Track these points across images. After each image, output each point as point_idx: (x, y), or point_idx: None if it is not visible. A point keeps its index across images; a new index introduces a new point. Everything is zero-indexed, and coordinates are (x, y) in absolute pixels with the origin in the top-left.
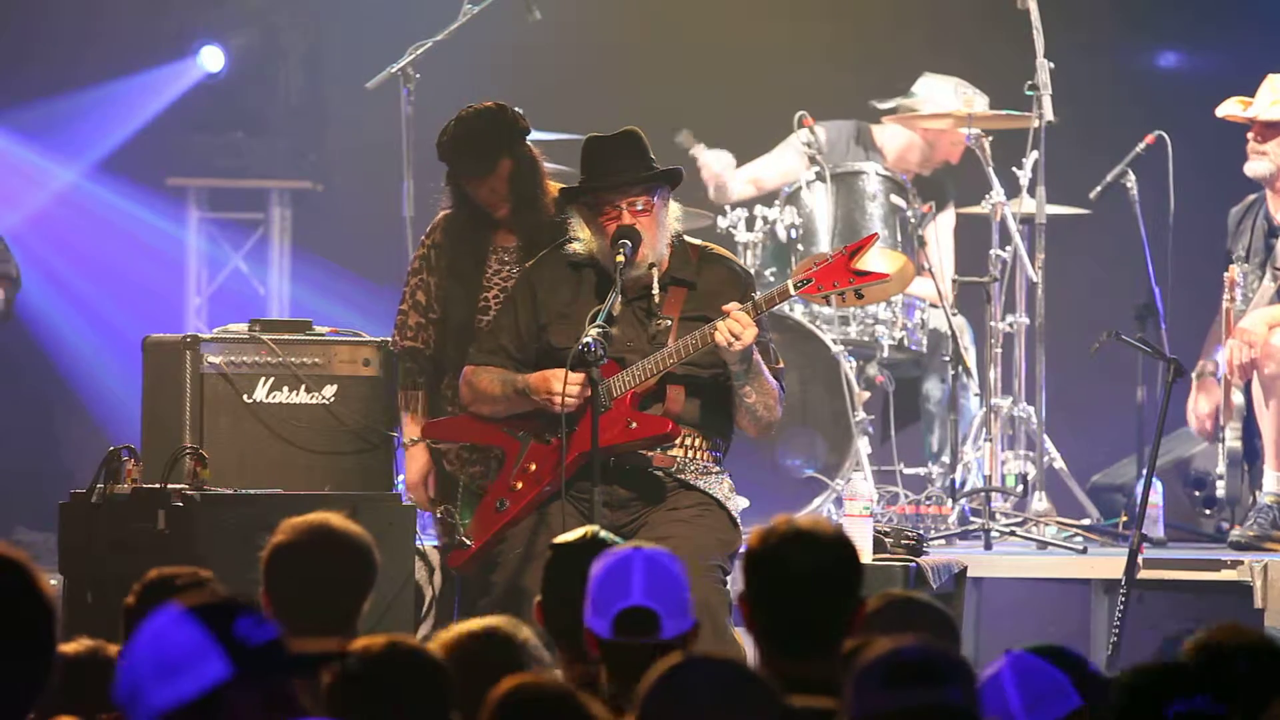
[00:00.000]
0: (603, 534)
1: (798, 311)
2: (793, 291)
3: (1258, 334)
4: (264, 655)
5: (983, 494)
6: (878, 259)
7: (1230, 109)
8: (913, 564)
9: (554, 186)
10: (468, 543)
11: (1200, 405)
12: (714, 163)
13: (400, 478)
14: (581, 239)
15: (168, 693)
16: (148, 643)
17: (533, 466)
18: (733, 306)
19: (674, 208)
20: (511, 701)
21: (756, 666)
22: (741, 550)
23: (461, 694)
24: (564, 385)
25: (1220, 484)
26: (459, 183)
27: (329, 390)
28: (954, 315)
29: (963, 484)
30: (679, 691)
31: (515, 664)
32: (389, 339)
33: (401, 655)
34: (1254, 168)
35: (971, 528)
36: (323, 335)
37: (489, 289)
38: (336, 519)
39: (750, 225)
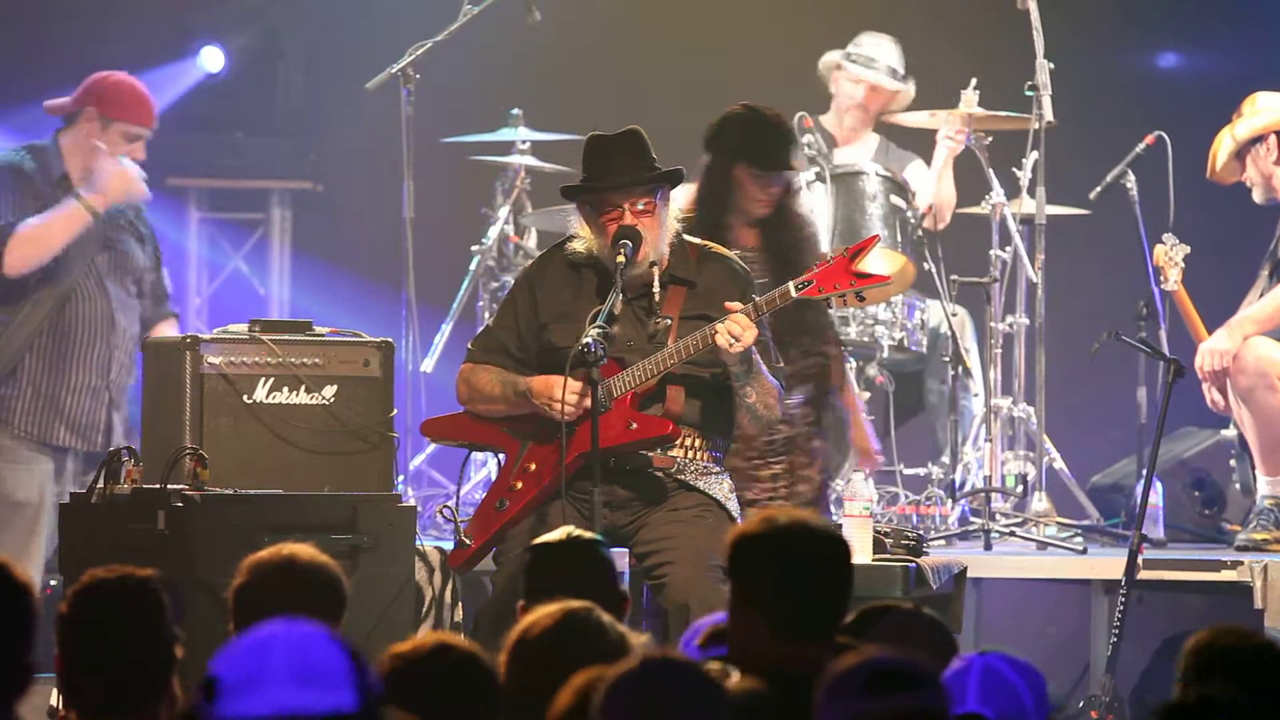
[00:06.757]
0: (584, 535)
1: None
2: (794, 293)
3: (1228, 351)
4: (373, 708)
5: (983, 494)
6: (878, 260)
7: (1230, 170)
8: (912, 564)
9: None
10: (467, 542)
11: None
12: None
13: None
14: (583, 238)
15: (295, 698)
16: (287, 645)
17: (533, 466)
18: (734, 307)
19: (674, 207)
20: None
21: (754, 652)
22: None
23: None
24: (564, 392)
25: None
26: (736, 170)
27: (329, 391)
28: (954, 315)
29: (963, 484)
30: (636, 693)
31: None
32: (388, 339)
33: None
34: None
35: (971, 528)
36: (323, 336)
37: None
38: (302, 550)
39: None
